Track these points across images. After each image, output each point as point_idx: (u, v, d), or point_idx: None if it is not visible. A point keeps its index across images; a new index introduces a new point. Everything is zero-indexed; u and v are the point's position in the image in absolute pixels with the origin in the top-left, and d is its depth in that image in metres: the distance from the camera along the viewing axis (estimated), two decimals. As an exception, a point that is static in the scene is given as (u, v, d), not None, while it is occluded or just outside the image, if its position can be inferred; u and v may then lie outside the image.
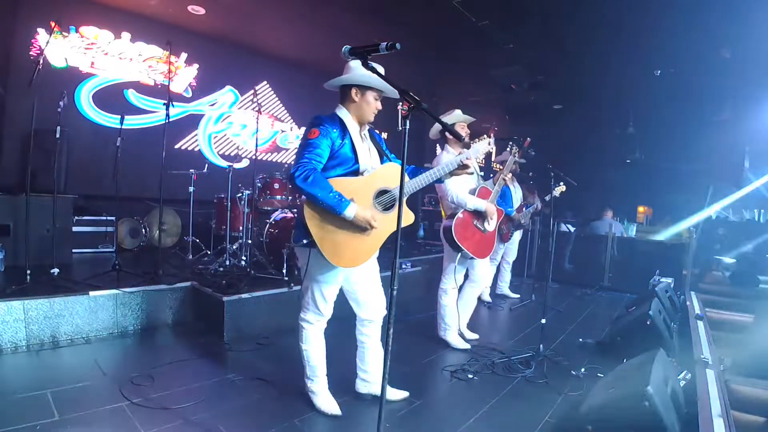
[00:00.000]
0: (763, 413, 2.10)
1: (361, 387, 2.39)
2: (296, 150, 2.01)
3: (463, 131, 3.18)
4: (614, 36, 5.17)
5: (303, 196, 1.93)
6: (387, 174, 2.08)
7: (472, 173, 2.33)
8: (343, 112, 2.09)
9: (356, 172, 2.05)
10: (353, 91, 2.05)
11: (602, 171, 8.85)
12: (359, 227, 1.97)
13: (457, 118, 3.19)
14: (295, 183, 1.87)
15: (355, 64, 2.00)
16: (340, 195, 1.90)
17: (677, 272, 5.56)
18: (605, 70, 6.25)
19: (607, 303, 5.30)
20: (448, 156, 3.12)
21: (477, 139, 2.43)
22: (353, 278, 2.20)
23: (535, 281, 5.84)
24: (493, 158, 9.54)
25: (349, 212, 1.91)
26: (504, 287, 5.27)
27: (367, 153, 2.12)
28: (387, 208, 2.06)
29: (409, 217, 1.99)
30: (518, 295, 5.20)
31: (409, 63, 6.20)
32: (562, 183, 3.99)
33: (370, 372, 2.36)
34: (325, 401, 2.21)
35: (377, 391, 2.31)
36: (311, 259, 2.01)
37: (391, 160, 2.21)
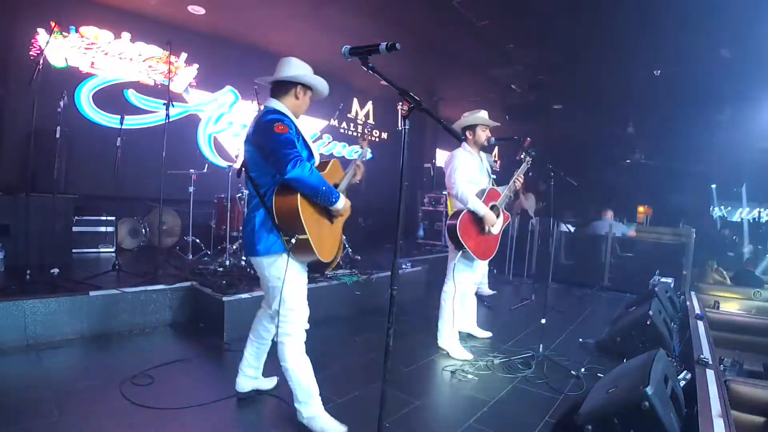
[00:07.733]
0: (763, 413, 2.10)
1: (246, 383, 2.26)
2: (271, 151, 1.85)
3: (485, 134, 3.16)
4: (614, 36, 5.18)
5: (294, 192, 1.83)
6: (335, 169, 2.17)
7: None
8: (280, 106, 1.98)
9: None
10: (298, 88, 2.02)
11: (602, 171, 8.85)
12: (327, 220, 2.02)
13: (480, 119, 3.13)
14: (300, 176, 1.77)
15: (298, 62, 2.02)
16: (329, 185, 1.92)
17: (677, 272, 5.57)
18: (605, 70, 6.26)
19: (607, 303, 5.29)
20: (464, 153, 3.10)
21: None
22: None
23: (535, 281, 5.84)
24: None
25: (340, 203, 1.94)
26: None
27: (314, 147, 2.09)
28: None
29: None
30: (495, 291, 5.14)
31: (409, 63, 6.21)
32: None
33: (260, 368, 2.29)
34: (329, 422, 1.97)
35: (264, 386, 2.33)
36: (291, 263, 1.91)
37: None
